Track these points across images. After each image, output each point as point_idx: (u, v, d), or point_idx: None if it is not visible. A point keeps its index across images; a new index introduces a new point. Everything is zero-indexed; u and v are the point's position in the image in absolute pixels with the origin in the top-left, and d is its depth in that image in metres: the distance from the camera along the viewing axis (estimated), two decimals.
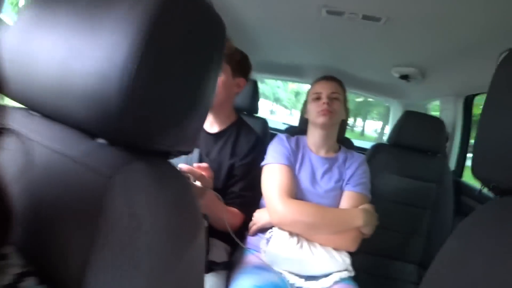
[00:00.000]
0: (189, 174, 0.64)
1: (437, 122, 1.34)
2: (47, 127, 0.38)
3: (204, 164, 0.70)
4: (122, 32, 0.30)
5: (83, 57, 0.31)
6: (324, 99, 0.97)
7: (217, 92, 0.95)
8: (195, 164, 0.67)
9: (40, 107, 0.37)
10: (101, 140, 0.35)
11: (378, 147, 1.36)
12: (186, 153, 0.39)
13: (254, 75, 2.18)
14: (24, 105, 0.40)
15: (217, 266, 0.82)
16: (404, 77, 1.55)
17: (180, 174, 0.35)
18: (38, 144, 0.35)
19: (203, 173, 0.69)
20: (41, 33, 0.34)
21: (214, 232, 0.88)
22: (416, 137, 1.32)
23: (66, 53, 0.32)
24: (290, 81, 2.38)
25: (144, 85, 0.29)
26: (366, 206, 0.92)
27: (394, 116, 2.30)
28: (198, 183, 0.64)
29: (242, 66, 1.04)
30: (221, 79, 0.95)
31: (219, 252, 0.91)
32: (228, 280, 0.84)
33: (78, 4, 0.33)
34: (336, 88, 0.99)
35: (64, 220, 0.31)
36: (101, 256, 0.28)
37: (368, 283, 1.10)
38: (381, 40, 1.23)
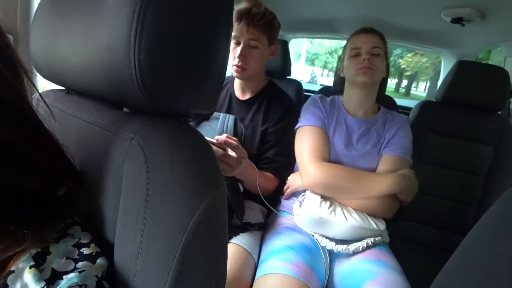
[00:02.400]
0: (225, 146, 0.65)
1: (499, 73, 1.13)
2: (82, 103, 0.44)
3: (224, 135, 0.71)
4: (121, 2, 0.30)
5: (94, 33, 0.32)
6: (364, 55, 0.89)
7: (255, 65, 0.96)
8: (224, 135, 0.68)
9: (73, 85, 0.41)
10: (126, 109, 0.40)
11: (424, 106, 1.21)
12: (205, 115, 0.40)
13: (284, 35, 2.06)
14: (59, 85, 0.46)
15: (252, 227, 0.86)
16: (457, 20, 1.33)
17: (198, 135, 0.36)
18: (75, 118, 0.41)
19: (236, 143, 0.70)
20: (60, 19, 0.37)
21: (252, 196, 0.92)
22: (471, 92, 1.14)
23: (82, 33, 0.34)
24: (323, 38, 2.18)
25: (147, 51, 0.29)
26: (405, 171, 0.86)
27: (446, 68, 2.03)
28: (233, 153, 0.65)
29: (276, 33, 1.01)
30: (259, 51, 0.94)
31: (255, 214, 0.96)
32: (262, 240, 0.88)
33: None
34: (377, 42, 0.90)
35: (98, 181, 0.35)
36: (124, 209, 0.32)
37: (405, 251, 1.06)
38: None
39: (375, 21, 1.57)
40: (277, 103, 1.02)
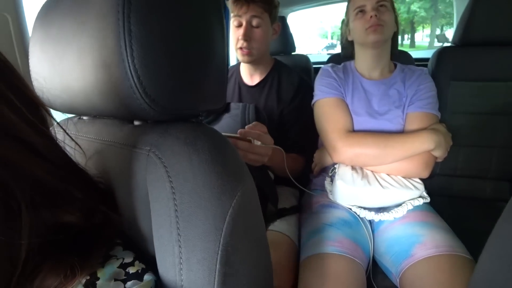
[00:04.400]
0: (249, 137, 0.63)
1: None
2: (95, 124, 0.44)
3: (253, 123, 0.68)
4: (104, 14, 0.29)
5: (88, 53, 0.32)
6: (370, 12, 0.82)
7: (260, 45, 0.93)
8: (246, 127, 0.67)
9: (83, 111, 0.41)
10: (137, 122, 0.39)
11: (442, 53, 1.12)
12: (218, 110, 0.39)
13: (281, 11, 1.97)
14: (70, 113, 0.46)
15: (287, 212, 0.86)
16: None
17: (213, 132, 0.35)
18: (92, 141, 0.40)
19: (259, 130, 0.68)
20: (54, 48, 0.37)
21: (281, 179, 0.91)
22: (495, 27, 1.03)
23: (76, 56, 0.33)
24: (321, 4, 2.07)
25: (144, 60, 0.28)
26: (436, 126, 0.81)
27: (459, 9, 1.88)
28: (258, 143, 0.64)
29: (277, 10, 0.98)
30: (262, 30, 0.92)
31: (288, 198, 0.95)
32: (299, 222, 0.87)
33: (65, 8, 0.35)
34: None
35: (126, 199, 0.35)
36: (157, 223, 0.31)
37: (448, 207, 1.02)
38: None
39: None
40: (288, 82, 1.00)
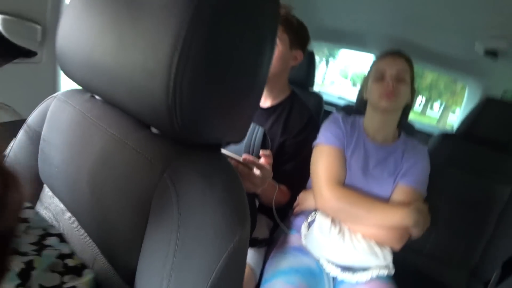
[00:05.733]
0: (251, 165, 0.63)
1: None
2: (108, 112, 0.40)
3: (267, 151, 0.68)
4: (165, 22, 0.28)
5: (128, 47, 0.30)
6: (388, 80, 0.86)
7: (272, 64, 0.92)
8: (260, 152, 0.66)
9: (100, 93, 0.39)
10: (154, 130, 0.37)
11: (445, 138, 1.19)
12: (236, 142, 0.38)
13: (310, 43, 2.02)
14: (87, 90, 0.42)
15: (259, 244, 0.85)
16: (491, 52, 1.29)
17: (229, 169, 0.34)
18: (100, 128, 0.38)
19: (265, 160, 0.68)
20: (94, 20, 0.34)
21: (260, 207, 0.90)
22: (496, 130, 1.11)
23: (115, 43, 0.31)
24: (349, 49, 2.13)
25: (190, 81, 0.27)
26: (419, 204, 0.84)
27: (469, 98, 1.98)
28: (258, 172, 0.63)
29: (300, 37, 0.97)
30: (278, 49, 0.91)
31: (262, 227, 0.95)
32: (266, 256, 0.87)
33: None
34: (403, 67, 0.87)
35: (118, 205, 0.33)
36: (149, 250, 0.30)
37: (408, 284, 1.04)
38: (467, 3, 1.00)
39: (405, 40, 1.53)
40: (298, 115, 1.00)
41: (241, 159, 0.62)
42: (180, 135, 0.31)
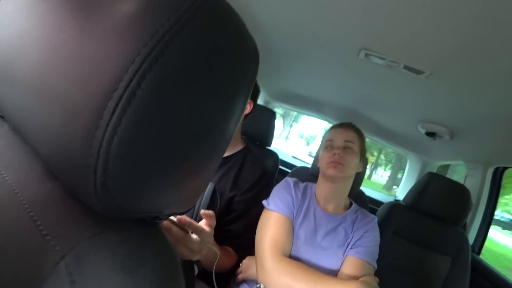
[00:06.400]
0: (188, 228, 0.53)
1: (462, 191, 1.22)
2: (11, 145, 0.26)
3: (210, 212, 0.59)
4: (122, 34, 0.19)
5: (64, 55, 0.20)
6: (336, 149, 0.87)
7: None
8: (202, 211, 0.57)
9: (11, 117, 0.25)
10: None
11: (393, 208, 1.23)
12: (181, 214, 0.29)
13: (272, 103, 2.10)
14: None
15: None
16: (431, 134, 1.44)
17: (170, 253, 0.24)
18: None
19: (206, 222, 0.59)
20: (29, 15, 0.23)
21: (200, 273, 0.77)
22: (438, 204, 1.19)
23: (54, 42, 0.21)
24: (307, 115, 2.26)
25: (128, 147, 0.18)
26: (368, 278, 0.78)
27: (410, 169, 2.17)
28: (195, 237, 0.53)
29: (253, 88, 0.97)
30: None
31: None
32: None
33: None
34: (351, 137, 0.90)
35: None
36: None
37: None
38: (416, 93, 1.13)
39: (358, 113, 1.66)
40: (250, 170, 0.94)
41: (175, 219, 0.52)
42: (98, 207, 0.20)
